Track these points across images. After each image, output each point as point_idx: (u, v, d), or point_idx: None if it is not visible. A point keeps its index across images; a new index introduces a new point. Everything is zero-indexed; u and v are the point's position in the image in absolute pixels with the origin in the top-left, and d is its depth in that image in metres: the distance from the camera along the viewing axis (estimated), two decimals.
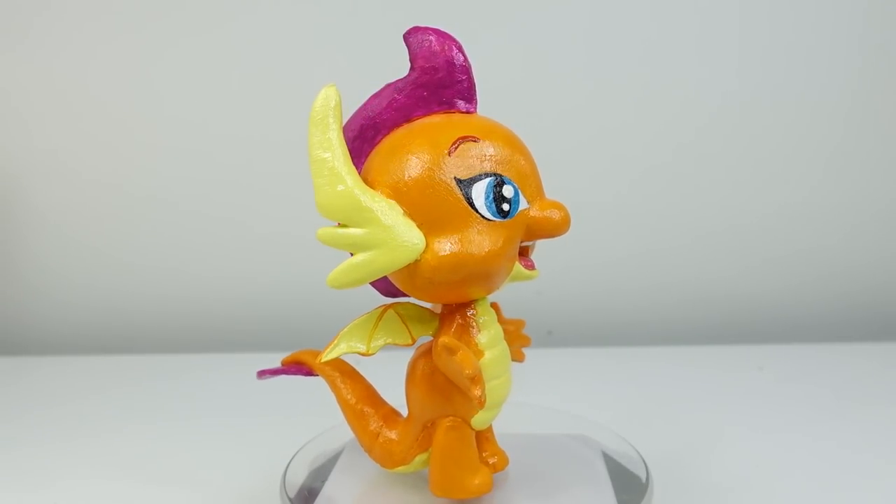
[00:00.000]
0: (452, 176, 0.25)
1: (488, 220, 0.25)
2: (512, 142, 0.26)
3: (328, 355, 0.27)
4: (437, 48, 0.26)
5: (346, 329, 0.27)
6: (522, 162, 0.26)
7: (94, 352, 0.63)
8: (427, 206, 0.25)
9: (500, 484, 0.30)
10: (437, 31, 0.27)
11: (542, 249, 0.29)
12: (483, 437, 0.30)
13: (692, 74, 0.59)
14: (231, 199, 0.62)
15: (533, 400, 0.39)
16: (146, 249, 0.63)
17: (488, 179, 0.25)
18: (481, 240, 0.25)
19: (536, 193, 0.26)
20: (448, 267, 0.25)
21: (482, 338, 0.27)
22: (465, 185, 0.25)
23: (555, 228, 0.26)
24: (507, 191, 0.25)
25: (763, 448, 0.37)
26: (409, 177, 0.25)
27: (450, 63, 0.26)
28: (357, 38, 0.59)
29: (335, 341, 0.27)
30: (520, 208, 0.26)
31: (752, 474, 0.34)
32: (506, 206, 0.25)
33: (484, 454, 0.30)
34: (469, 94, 0.27)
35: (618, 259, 0.62)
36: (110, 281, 0.64)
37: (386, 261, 0.25)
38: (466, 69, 0.27)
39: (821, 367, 0.52)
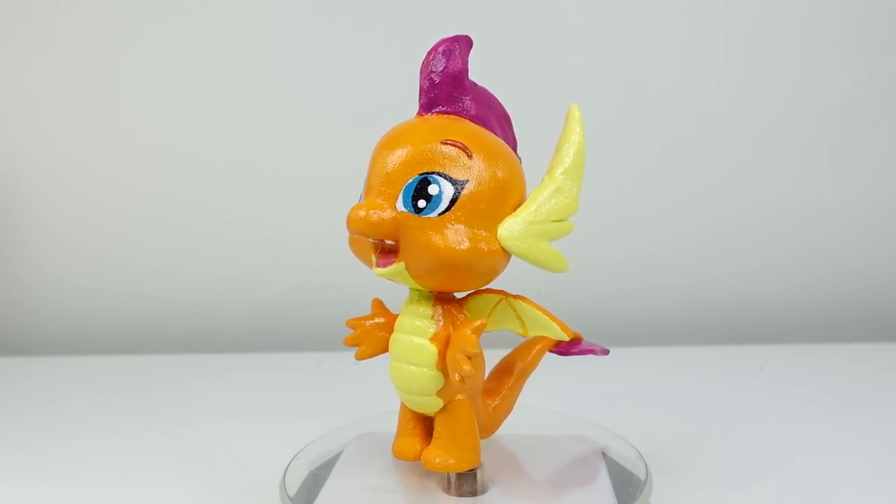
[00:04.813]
0: None
1: None
2: (389, 145, 0.27)
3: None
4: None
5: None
6: (387, 162, 0.26)
7: (93, 352, 0.63)
8: None
9: (500, 483, 0.30)
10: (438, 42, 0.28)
11: None
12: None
13: (693, 73, 0.59)
14: (231, 200, 0.62)
15: (533, 400, 0.39)
16: (146, 250, 0.63)
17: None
18: None
19: (368, 193, 0.27)
20: None
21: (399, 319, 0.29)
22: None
23: (346, 224, 0.26)
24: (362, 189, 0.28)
25: (763, 448, 0.37)
26: None
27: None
28: (359, 47, 0.59)
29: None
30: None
31: (752, 474, 0.34)
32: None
33: (430, 448, 0.29)
34: (419, 99, 0.28)
35: (618, 259, 0.62)
36: (110, 281, 0.64)
37: None
38: (421, 74, 0.28)
39: (821, 367, 0.52)
